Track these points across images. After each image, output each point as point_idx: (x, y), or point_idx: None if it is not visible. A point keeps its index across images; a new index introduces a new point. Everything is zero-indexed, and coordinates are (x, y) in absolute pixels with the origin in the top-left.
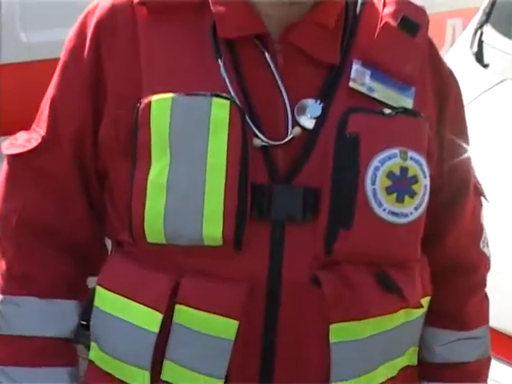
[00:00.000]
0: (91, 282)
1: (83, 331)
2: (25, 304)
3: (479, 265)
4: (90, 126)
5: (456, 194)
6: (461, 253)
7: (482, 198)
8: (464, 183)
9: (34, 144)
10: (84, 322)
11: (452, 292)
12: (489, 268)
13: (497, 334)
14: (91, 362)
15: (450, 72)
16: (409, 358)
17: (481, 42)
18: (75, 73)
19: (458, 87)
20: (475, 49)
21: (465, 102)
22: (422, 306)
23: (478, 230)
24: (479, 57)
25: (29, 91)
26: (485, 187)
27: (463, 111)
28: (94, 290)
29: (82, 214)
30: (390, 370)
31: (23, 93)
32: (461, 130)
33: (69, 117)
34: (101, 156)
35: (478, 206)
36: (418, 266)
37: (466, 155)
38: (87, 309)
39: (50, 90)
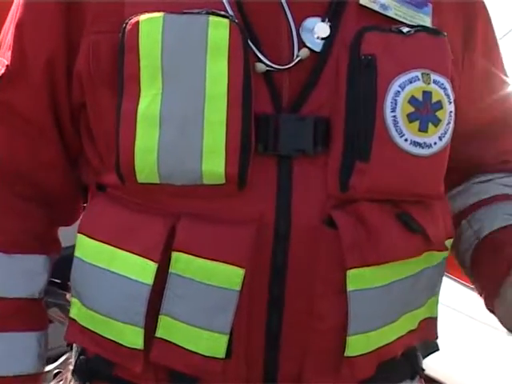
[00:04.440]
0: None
1: (56, 290)
2: None
3: None
4: (63, 53)
5: (499, 123)
6: None
7: None
8: (505, 114)
9: None
10: (57, 280)
11: None
12: None
13: None
14: (73, 321)
15: None
16: (429, 309)
17: None
18: None
19: (486, 10)
20: None
21: (502, 32)
22: (446, 248)
23: None
24: None
25: None
26: None
27: (495, 37)
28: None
29: (55, 156)
30: (411, 321)
31: None
32: (495, 58)
33: (39, 43)
34: (76, 88)
35: None
36: (439, 204)
37: (504, 85)
38: (61, 264)
39: (13, 13)
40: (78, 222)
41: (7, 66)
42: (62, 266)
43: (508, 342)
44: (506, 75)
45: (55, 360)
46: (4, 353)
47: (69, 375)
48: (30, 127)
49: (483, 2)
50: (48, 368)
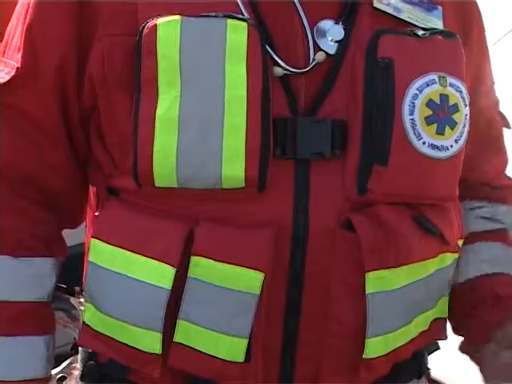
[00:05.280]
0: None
1: (60, 294)
2: None
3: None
4: (74, 57)
5: (484, 134)
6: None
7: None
8: (491, 119)
9: (6, 78)
10: (62, 285)
11: None
12: None
13: None
14: (86, 326)
15: None
16: (440, 309)
17: None
18: None
19: (480, 14)
20: None
21: (491, 42)
22: (459, 250)
23: (506, 161)
24: None
25: None
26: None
27: (486, 41)
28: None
29: (63, 159)
30: (423, 322)
31: None
32: (486, 61)
33: (50, 46)
34: (88, 91)
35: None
36: (454, 206)
37: (491, 90)
38: (68, 268)
39: (21, 13)
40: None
41: (17, 68)
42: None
43: None
44: (492, 83)
45: (59, 363)
46: (14, 357)
47: (73, 381)
48: (39, 130)
49: (477, 5)
50: (52, 372)
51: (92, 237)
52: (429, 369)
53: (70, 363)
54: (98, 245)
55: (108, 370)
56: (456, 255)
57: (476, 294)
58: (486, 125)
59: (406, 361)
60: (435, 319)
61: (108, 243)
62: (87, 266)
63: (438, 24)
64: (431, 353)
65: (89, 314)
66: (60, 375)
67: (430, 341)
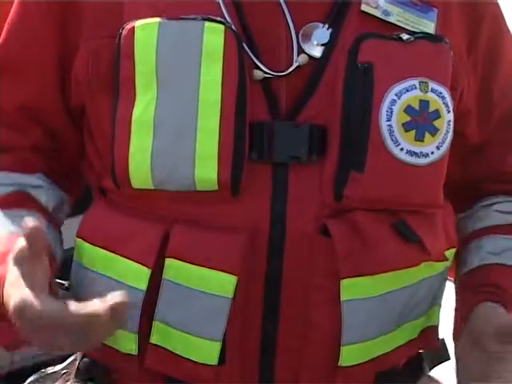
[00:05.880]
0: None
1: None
2: None
3: None
4: (57, 59)
5: (505, 123)
6: None
7: None
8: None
9: None
10: (63, 283)
11: None
12: None
13: None
14: None
15: None
16: (430, 317)
17: None
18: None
19: (496, 3)
20: None
21: None
22: (446, 259)
23: None
24: None
25: None
26: None
27: (505, 30)
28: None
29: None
30: (410, 331)
31: None
32: (502, 51)
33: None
34: (74, 91)
35: None
36: (440, 214)
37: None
38: (69, 267)
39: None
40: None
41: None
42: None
43: None
44: None
45: (64, 360)
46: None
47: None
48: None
49: (495, 2)
50: (56, 368)
51: (77, 236)
52: (429, 377)
53: (75, 359)
54: (82, 244)
55: (94, 370)
56: (446, 264)
57: (474, 280)
58: (506, 113)
59: (398, 370)
60: (426, 327)
61: (90, 242)
62: (72, 266)
63: (430, 27)
64: (441, 363)
65: None
66: (64, 371)
67: (421, 349)
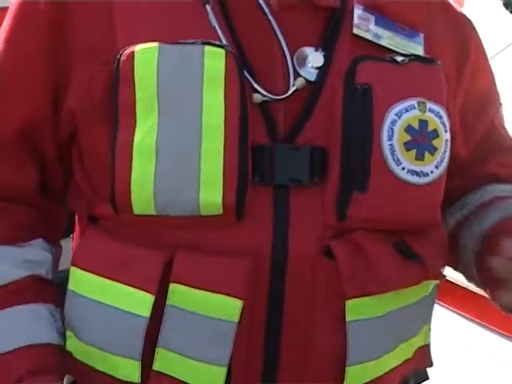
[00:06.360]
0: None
1: None
2: None
3: None
4: (49, 96)
5: (490, 136)
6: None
7: None
8: (494, 126)
9: None
10: None
11: None
12: None
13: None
14: (68, 354)
15: (465, 18)
16: (423, 336)
17: None
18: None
19: (477, 34)
20: None
21: (489, 56)
22: (443, 277)
23: None
24: (507, 2)
25: None
26: None
27: (487, 61)
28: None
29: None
30: (407, 350)
31: None
32: (488, 83)
33: (23, 99)
34: (66, 125)
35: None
36: (437, 232)
37: (498, 111)
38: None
39: None
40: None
41: None
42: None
43: (501, 370)
44: (498, 96)
45: None
46: (10, 327)
47: None
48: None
49: (472, 24)
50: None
51: (72, 264)
52: None
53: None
54: (77, 272)
55: None
56: (437, 282)
57: (490, 237)
58: (489, 130)
59: None
60: (420, 347)
61: (87, 271)
62: (67, 294)
63: (419, 50)
64: (420, 383)
65: (69, 341)
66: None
67: (414, 369)
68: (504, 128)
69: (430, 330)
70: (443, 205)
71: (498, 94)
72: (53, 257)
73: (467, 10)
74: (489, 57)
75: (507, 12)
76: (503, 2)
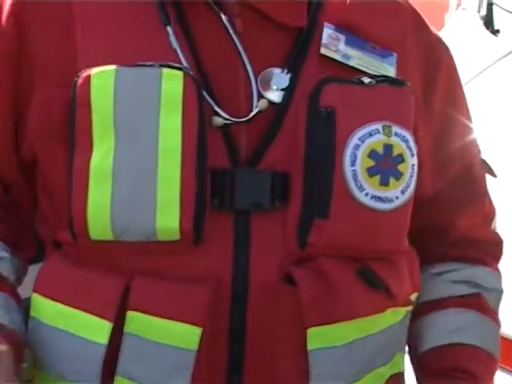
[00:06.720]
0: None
1: None
2: None
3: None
4: (11, 113)
5: (459, 181)
6: (471, 233)
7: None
8: (468, 164)
9: None
10: None
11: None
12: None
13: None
14: (29, 383)
15: (439, 40)
16: (395, 365)
17: (490, 5)
18: None
19: (450, 56)
20: (484, 12)
21: (471, 75)
22: (411, 303)
23: (489, 212)
24: (488, 21)
25: None
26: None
27: (459, 83)
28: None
29: None
30: (376, 379)
31: None
32: (458, 104)
33: None
34: (28, 146)
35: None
36: (405, 259)
37: (467, 132)
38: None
39: None
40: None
41: None
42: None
43: None
44: (470, 122)
45: None
46: None
47: None
48: None
49: (447, 48)
50: None
51: (33, 291)
52: None
53: None
54: (38, 299)
55: None
56: (408, 308)
57: (444, 364)
58: (461, 170)
59: None
60: (391, 375)
61: (47, 297)
62: (29, 322)
63: (390, 71)
64: None
65: (32, 369)
66: None
67: None
68: (477, 159)
69: (403, 357)
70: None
71: (464, 123)
72: (12, 263)
73: (448, 30)
74: (470, 77)
75: (487, 31)
76: (484, 22)
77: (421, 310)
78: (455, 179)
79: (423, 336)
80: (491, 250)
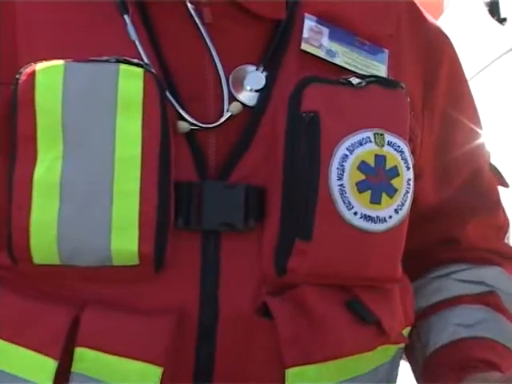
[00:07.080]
0: None
1: None
2: None
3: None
4: None
5: (467, 188)
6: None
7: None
8: (476, 169)
9: None
10: None
11: None
12: None
13: None
14: None
15: (438, 29)
16: None
17: None
18: None
19: (452, 47)
20: None
21: (474, 71)
22: (404, 340)
23: (501, 224)
24: (494, 8)
25: None
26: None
27: (464, 78)
28: None
29: None
30: None
31: None
32: (463, 103)
33: None
34: None
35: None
36: (398, 288)
37: (474, 134)
38: None
39: None
40: None
41: None
42: None
43: None
44: (478, 124)
45: None
46: None
47: None
48: None
49: (448, 39)
50: None
51: None
52: None
53: None
54: None
55: None
56: (400, 346)
57: (457, 358)
58: (468, 177)
59: None
60: None
61: None
62: None
63: (381, 70)
64: None
65: None
66: None
67: None
68: (494, 182)
69: None
70: (408, 263)
71: (469, 126)
72: None
73: (447, 17)
74: (473, 73)
75: (493, 20)
76: (488, 9)
77: (429, 311)
78: (462, 187)
79: (433, 334)
80: (505, 257)
